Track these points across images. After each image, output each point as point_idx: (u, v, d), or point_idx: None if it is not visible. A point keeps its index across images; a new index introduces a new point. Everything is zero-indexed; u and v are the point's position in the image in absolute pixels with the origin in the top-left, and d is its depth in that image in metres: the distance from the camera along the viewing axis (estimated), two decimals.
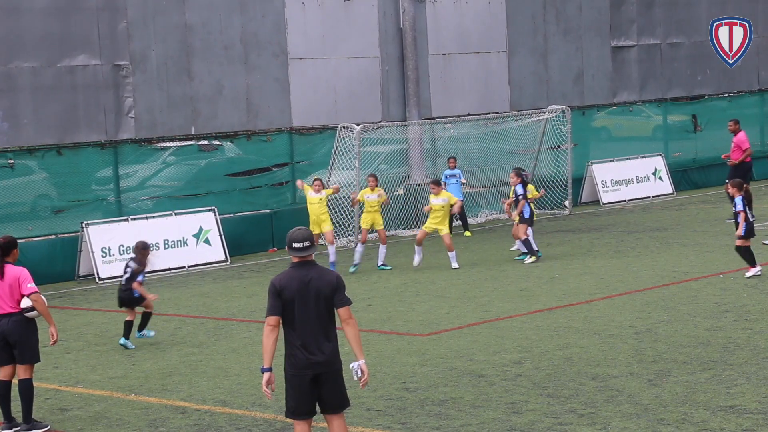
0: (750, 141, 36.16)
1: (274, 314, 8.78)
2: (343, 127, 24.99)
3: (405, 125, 26.91)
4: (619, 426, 10.38)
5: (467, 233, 25.33)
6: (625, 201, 29.93)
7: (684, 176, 32.38)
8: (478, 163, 27.72)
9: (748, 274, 17.62)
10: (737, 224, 17.52)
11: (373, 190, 20.95)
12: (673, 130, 33.14)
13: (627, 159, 30.92)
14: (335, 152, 24.96)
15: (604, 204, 29.48)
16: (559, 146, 28.53)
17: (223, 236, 23.41)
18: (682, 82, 33.65)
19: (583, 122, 30.64)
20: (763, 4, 35.49)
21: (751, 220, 17.51)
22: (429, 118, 27.89)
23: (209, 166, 24.68)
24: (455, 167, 25.32)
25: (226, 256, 23.34)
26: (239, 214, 24.59)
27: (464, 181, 25.67)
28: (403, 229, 26.22)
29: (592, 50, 31.73)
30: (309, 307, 8.72)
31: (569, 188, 28.28)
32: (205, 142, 24.68)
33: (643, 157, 31.10)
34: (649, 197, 29.95)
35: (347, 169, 24.89)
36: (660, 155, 31.59)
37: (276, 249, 24.49)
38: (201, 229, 23.22)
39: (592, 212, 28.45)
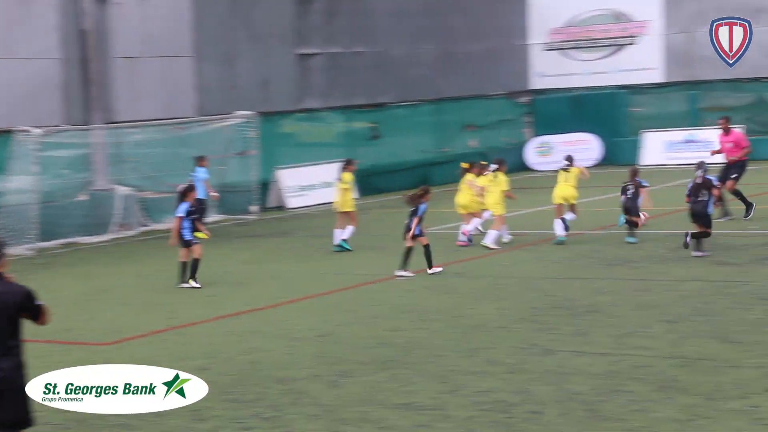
0: (424, 148, 37.47)
1: None
2: (21, 131, 24.01)
3: (88, 129, 26.17)
4: (302, 428, 10.57)
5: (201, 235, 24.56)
6: (310, 206, 30.49)
7: (367, 181, 33.38)
8: (163, 168, 27.39)
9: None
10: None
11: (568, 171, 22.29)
12: (356, 137, 34.10)
13: (312, 165, 31.55)
14: (12, 157, 23.93)
15: (290, 209, 29.91)
16: (244, 152, 28.70)
17: None
18: (364, 90, 34.67)
19: (269, 128, 30.94)
20: (438, 17, 37.17)
21: None
22: (113, 123, 27.26)
23: None
24: None
25: None
26: None
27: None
28: (86, 235, 25.47)
29: (278, 57, 32.09)
30: None
31: (256, 193, 28.49)
32: None
33: (327, 163, 31.83)
34: (333, 202, 30.60)
35: (25, 174, 23.92)
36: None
37: None
38: None
39: (279, 217, 28.80)
